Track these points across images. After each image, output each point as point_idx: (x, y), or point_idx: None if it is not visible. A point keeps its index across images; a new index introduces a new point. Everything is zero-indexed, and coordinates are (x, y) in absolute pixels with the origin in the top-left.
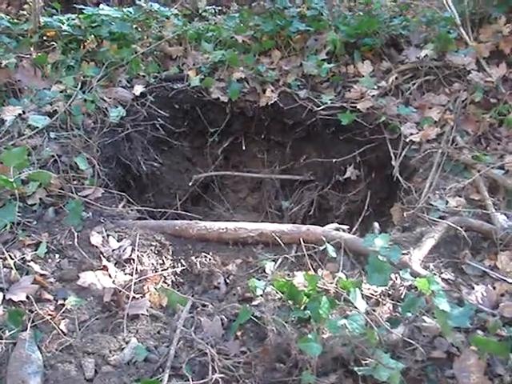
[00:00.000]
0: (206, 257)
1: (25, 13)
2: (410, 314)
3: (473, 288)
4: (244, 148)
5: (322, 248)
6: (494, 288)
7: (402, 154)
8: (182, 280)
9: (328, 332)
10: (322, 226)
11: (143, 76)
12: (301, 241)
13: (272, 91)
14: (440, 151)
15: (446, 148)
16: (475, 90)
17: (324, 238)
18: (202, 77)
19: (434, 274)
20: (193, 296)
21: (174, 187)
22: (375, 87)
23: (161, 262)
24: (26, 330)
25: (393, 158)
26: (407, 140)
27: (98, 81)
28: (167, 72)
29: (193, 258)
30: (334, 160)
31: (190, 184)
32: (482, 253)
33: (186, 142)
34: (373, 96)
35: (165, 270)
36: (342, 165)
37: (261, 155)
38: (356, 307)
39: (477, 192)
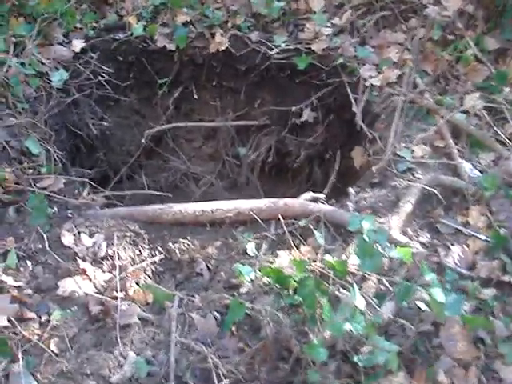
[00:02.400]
0: (183, 242)
1: None
2: (405, 304)
3: (449, 248)
4: (195, 97)
5: (301, 223)
6: (468, 246)
7: (363, 99)
8: (162, 269)
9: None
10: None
11: (80, 28)
12: (279, 217)
13: (221, 35)
14: (402, 96)
15: (408, 92)
16: (433, 27)
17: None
18: (145, 23)
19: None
20: (177, 286)
21: (126, 143)
22: (329, 25)
23: (138, 252)
24: (17, 359)
25: (353, 103)
26: (367, 84)
27: (34, 40)
28: (105, 20)
29: (170, 244)
30: (292, 108)
31: (143, 140)
32: (454, 209)
33: (133, 95)
34: (327, 35)
35: (143, 260)
36: (298, 108)
37: (213, 102)
38: (356, 306)
39: (441, 139)
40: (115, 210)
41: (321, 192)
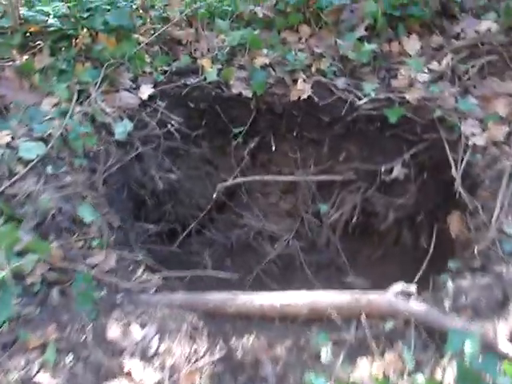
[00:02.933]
0: (248, 339)
1: None
2: None
3: None
4: (273, 148)
5: (387, 326)
6: None
7: (464, 161)
8: (221, 370)
9: None
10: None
11: (150, 73)
12: (362, 316)
13: (304, 81)
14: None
15: None
16: None
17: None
18: (220, 66)
19: None
20: None
21: (196, 196)
22: (426, 70)
23: (194, 349)
24: None
25: (452, 165)
26: (469, 142)
27: (98, 87)
28: (177, 63)
29: (233, 340)
30: (381, 166)
31: (215, 195)
32: None
33: (205, 144)
34: (423, 83)
35: (200, 358)
36: (388, 165)
37: (293, 154)
38: None
39: None
40: (172, 296)
41: (411, 274)
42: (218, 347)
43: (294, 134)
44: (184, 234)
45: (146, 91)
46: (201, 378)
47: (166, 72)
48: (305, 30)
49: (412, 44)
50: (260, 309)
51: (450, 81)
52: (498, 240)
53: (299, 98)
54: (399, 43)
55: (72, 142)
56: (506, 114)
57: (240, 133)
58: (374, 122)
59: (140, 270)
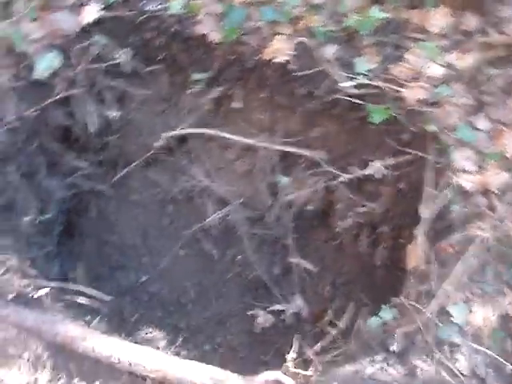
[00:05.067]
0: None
1: None
2: None
3: None
4: (239, 104)
5: None
6: None
7: (439, 202)
8: None
9: None
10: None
11: None
12: None
13: (285, 39)
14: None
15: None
16: None
17: None
18: None
19: None
20: None
21: (145, 133)
22: (443, 63)
23: (35, 378)
24: None
25: (423, 198)
26: (453, 180)
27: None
28: None
29: (76, 381)
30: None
31: (157, 144)
32: None
33: (160, 82)
34: (431, 78)
35: None
36: (365, 156)
37: (260, 115)
38: None
39: None
40: (24, 313)
41: None
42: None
43: (264, 94)
44: (124, 172)
45: (90, 14)
46: None
47: None
48: None
49: (438, 19)
50: (108, 359)
51: (467, 84)
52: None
53: (271, 59)
54: (422, 14)
55: None
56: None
57: (199, 80)
58: (358, 111)
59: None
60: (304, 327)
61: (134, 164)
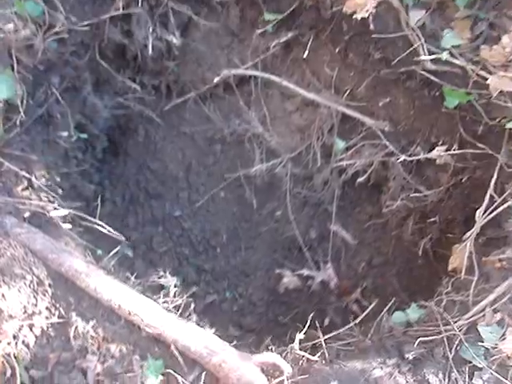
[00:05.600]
0: (88, 322)
1: None
2: None
3: None
4: (308, 53)
5: None
6: None
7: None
8: (53, 335)
9: None
10: None
11: None
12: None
13: None
14: None
15: None
16: None
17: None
18: None
19: None
20: None
21: (205, 65)
22: None
23: (33, 302)
24: None
25: (483, 207)
26: None
27: None
28: None
29: (73, 316)
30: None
31: (216, 79)
32: None
33: (233, 11)
34: None
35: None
36: (431, 137)
37: (330, 70)
38: None
39: None
40: (34, 236)
41: None
42: (56, 313)
43: (338, 49)
44: (179, 101)
45: None
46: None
47: None
48: None
49: None
50: (108, 302)
51: None
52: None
53: (353, 13)
54: None
55: None
56: None
57: (270, 21)
58: (434, 88)
59: (21, 186)
60: (329, 298)
61: (189, 95)
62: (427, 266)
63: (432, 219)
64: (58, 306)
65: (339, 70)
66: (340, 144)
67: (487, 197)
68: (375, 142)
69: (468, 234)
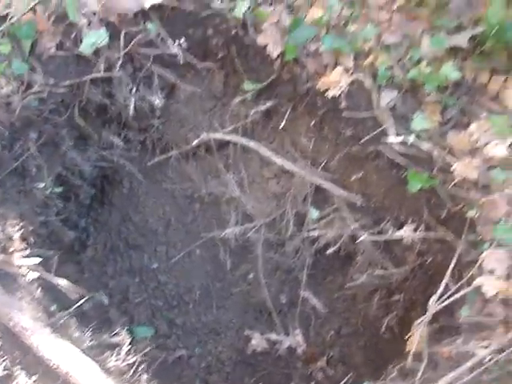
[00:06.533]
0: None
1: None
2: None
3: None
4: (286, 122)
5: None
6: None
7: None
8: None
9: None
10: None
11: None
12: None
13: (344, 71)
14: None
15: None
16: None
17: None
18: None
19: None
20: None
21: (187, 126)
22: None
23: None
24: None
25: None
26: (477, 280)
27: None
28: None
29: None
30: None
31: (195, 142)
32: None
33: (217, 76)
34: (489, 160)
35: None
36: (401, 216)
37: (306, 140)
38: None
39: None
40: None
41: None
42: (3, 364)
43: (313, 122)
44: (161, 158)
45: None
46: None
47: None
48: None
49: None
50: (48, 361)
51: None
52: None
53: (325, 90)
54: (504, 82)
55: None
56: None
57: (250, 90)
58: (399, 170)
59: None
60: (295, 364)
61: (171, 153)
62: (393, 341)
63: (397, 297)
64: (3, 358)
65: (315, 142)
66: (314, 213)
67: (443, 284)
68: (347, 216)
69: (419, 320)
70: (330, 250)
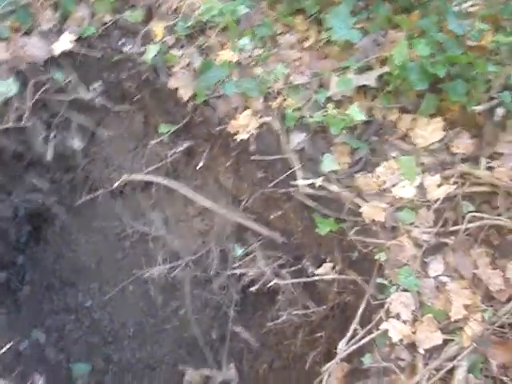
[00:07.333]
0: None
1: None
2: None
3: None
4: (205, 162)
5: None
6: None
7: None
8: None
9: None
10: None
11: (83, 19)
12: None
13: (253, 114)
14: None
15: None
16: None
17: None
18: (173, 41)
19: None
20: None
21: (111, 167)
22: (417, 185)
23: None
24: None
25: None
26: (384, 325)
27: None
28: (127, 14)
29: None
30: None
31: (116, 184)
32: None
33: (136, 117)
34: (397, 200)
35: None
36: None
37: (225, 180)
38: None
39: None
40: None
41: None
42: None
43: (229, 163)
44: (88, 198)
45: (63, 44)
46: None
47: (105, 24)
48: (312, 33)
49: (428, 131)
50: None
51: (434, 218)
52: None
53: (234, 133)
54: (413, 120)
55: None
56: None
57: (166, 132)
58: (312, 211)
59: None
60: None
61: (98, 193)
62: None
63: (319, 334)
64: None
65: (234, 181)
66: (238, 251)
67: (351, 328)
68: (268, 253)
69: (328, 364)
70: (252, 288)
